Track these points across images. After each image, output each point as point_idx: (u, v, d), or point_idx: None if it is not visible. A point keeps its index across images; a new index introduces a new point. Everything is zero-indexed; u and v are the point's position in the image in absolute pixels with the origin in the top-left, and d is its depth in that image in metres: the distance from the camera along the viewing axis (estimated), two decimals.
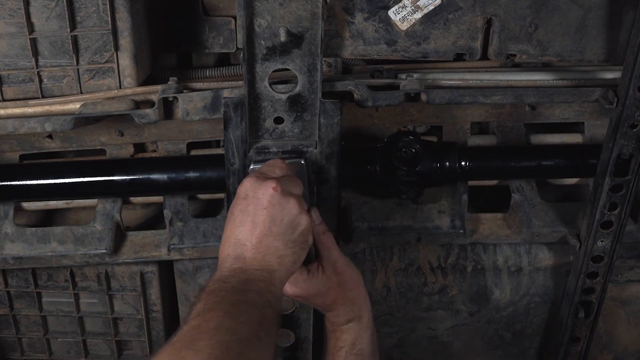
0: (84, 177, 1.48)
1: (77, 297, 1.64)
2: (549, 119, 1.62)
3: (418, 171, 1.45)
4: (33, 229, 1.55)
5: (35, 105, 1.38)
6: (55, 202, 1.58)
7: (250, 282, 1.09)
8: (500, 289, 1.65)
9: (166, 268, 1.64)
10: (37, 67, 1.34)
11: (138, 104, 1.38)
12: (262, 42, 1.25)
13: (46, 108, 1.38)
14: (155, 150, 1.58)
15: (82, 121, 1.37)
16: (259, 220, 1.14)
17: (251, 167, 1.32)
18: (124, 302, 1.65)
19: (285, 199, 1.16)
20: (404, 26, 1.34)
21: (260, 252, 1.13)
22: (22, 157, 1.55)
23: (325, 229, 1.26)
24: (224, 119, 1.32)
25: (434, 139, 1.59)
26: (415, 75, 1.45)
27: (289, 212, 1.15)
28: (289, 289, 1.22)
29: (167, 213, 1.55)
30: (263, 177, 1.18)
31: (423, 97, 1.38)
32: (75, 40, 1.32)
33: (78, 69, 1.35)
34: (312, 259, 1.26)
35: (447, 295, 1.66)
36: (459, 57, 1.39)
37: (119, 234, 1.55)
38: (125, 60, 1.35)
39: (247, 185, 1.17)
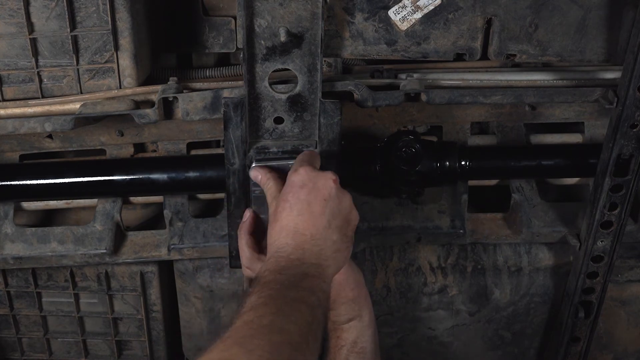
0: (84, 177, 1.48)
1: (77, 297, 1.64)
2: (549, 119, 1.62)
3: (418, 171, 1.45)
4: (33, 229, 1.55)
5: (35, 105, 1.38)
6: (55, 202, 1.58)
7: (306, 277, 1.06)
8: (500, 289, 1.65)
9: (166, 268, 1.64)
10: (37, 67, 1.34)
11: (138, 104, 1.38)
12: (262, 42, 1.25)
13: (46, 108, 1.38)
14: (155, 150, 1.58)
15: (82, 121, 1.37)
16: (318, 211, 1.12)
17: (254, 164, 1.32)
18: (124, 302, 1.65)
19: (342, 193, 1.15)
20: (404, 26, 1.35)
21: (318, 245, 1.10)
22: (22, 157, 1.55)
23: None
24: (224, 119, 1.32)
25: (434, 138, 1.59)
26: (415, 75, 1.45)
27: (346, 206, 1.14)
28: None
29: (167, 213, 1.55)
30: (315, 168, 1.16)
31: (423, 97, 1.38)
32: (75, 40, 1.32)
33: (78, 69, 1.35)
34: None
35: (447, 295, 1.66)
36: (459, 57, 1.39)
37: (119, 234, 1.55)
38: (125, 60, 1.35)
39: (303, 174, 1.15)
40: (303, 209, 1.12)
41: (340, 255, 1.13)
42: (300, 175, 1.15)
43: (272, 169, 1.29)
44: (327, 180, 1.14)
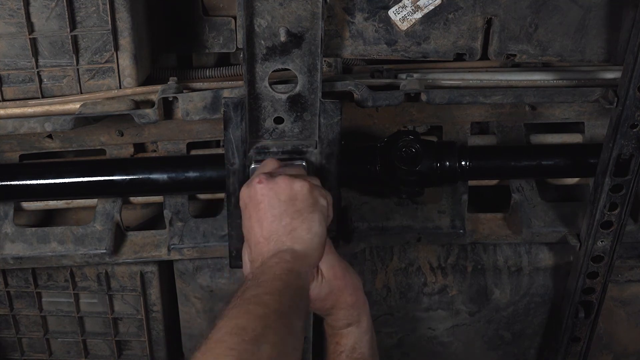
0: (84, 177, 1.48)
1: (77, 297, 1.64)
2: (549, 119, 1.62)
3: (418, 171, 1.45)
4: (33, 229, 1.54)
5: (35, 105, 1.38)
6: (55, 202, 1.58)
7: (264, 273, 1.11)
8: (500, 289, 1.65)
9: (166, 268, 1.64)
10: (37, 67, 1.34)
11: (138, 104, 1.38)
12: (262, 42, 1.25)
13: (46, 108, 1.38)
14: (155, 150, 1.58)
15: (82, 121, 1.37)
16: (261, 216, 1.17)
17: (252, 166, 1.32)
18: (124, 302, 1.65)
19: (272, 182, 1.18)
20: (404, 26, 1.35)
21: (271, 241, 1.16)
22: (22, 157, 1.55)
23: None
24: (224, 119, 1.32)
25: (434, 138, 1.59)
26: (415, 75, 1.45)
27: (282, 190, 1.17)
28: None
29: (167, 213, 1.55)
30: (251, 180, 1.22)
31: (423, 97, 1.38)
32: (75, 40, 1.32)
33: (78, 69, 1.35)
34: None
35: (447, 295, 1.66)
36: (459, 57, 1.39)
37: (119, 234, 1.55)
38: (125, 60, 1.35)
39: (242, 196, 1.22)
40: (252, 224, 1.19)
41: (298, 232, 1.16)
42: (241, 200, 1.22)
43: None
44: (254, 186, 1.19)
